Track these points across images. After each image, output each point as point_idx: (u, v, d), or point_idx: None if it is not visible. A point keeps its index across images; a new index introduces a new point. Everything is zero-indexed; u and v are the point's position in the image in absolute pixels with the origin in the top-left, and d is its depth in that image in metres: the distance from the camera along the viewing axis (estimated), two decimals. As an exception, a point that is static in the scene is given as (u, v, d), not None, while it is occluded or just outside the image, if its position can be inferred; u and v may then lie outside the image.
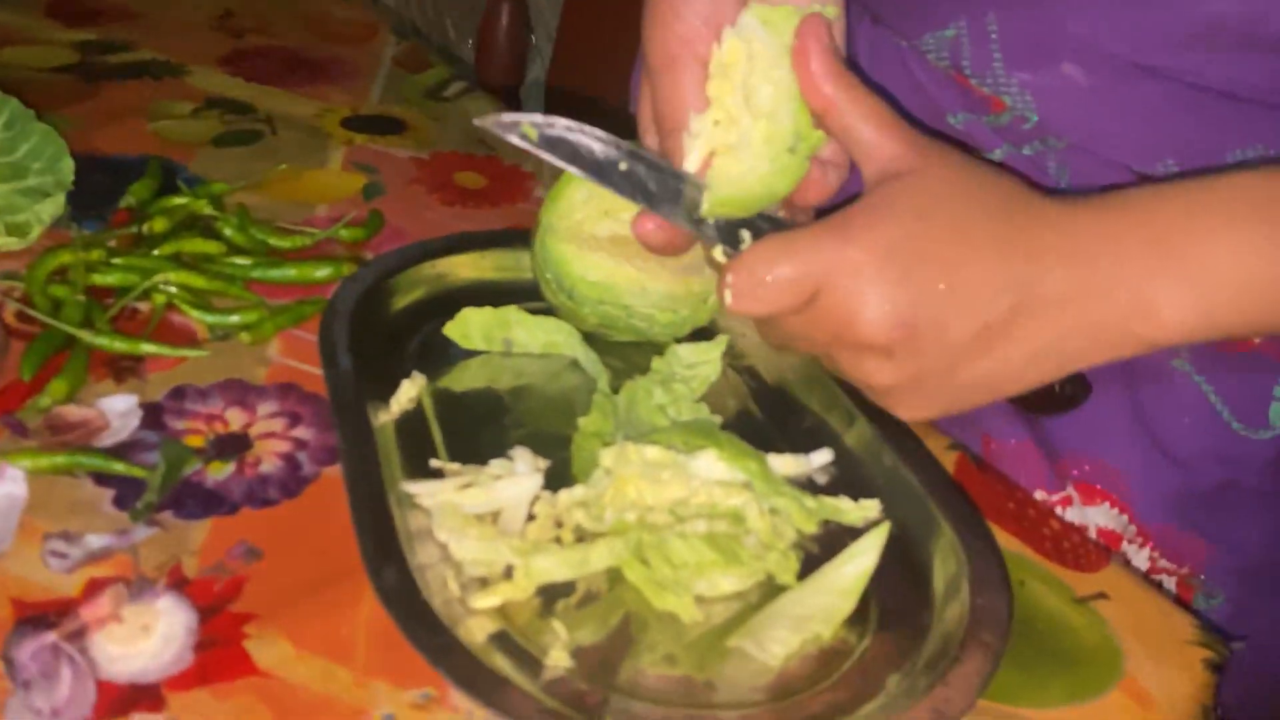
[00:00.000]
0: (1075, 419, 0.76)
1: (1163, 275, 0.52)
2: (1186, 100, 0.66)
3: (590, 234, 0.75)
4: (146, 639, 0.51)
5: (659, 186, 0.57)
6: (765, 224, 0.60)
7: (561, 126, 0.56)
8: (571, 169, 0.57)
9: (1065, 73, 0.68)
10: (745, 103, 0.56)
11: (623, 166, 0.57)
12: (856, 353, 0.55)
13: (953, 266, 0.52)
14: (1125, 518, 0.77)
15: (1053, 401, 0.66)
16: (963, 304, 0.52)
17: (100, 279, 0.74)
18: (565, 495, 0.62)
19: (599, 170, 0.57)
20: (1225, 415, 0.73)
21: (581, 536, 0.61)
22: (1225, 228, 0.52)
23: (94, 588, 0.54)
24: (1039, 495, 0.77)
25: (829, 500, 0.65)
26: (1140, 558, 0.78)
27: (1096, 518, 0.77)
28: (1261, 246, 0.52)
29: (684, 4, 0.56)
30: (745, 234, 0.59)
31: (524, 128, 0.55)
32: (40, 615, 0.52)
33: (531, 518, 0.62)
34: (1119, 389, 0.75)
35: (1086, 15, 0.66)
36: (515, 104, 1.41)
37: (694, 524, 0.60)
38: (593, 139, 0.56)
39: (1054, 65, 0.68)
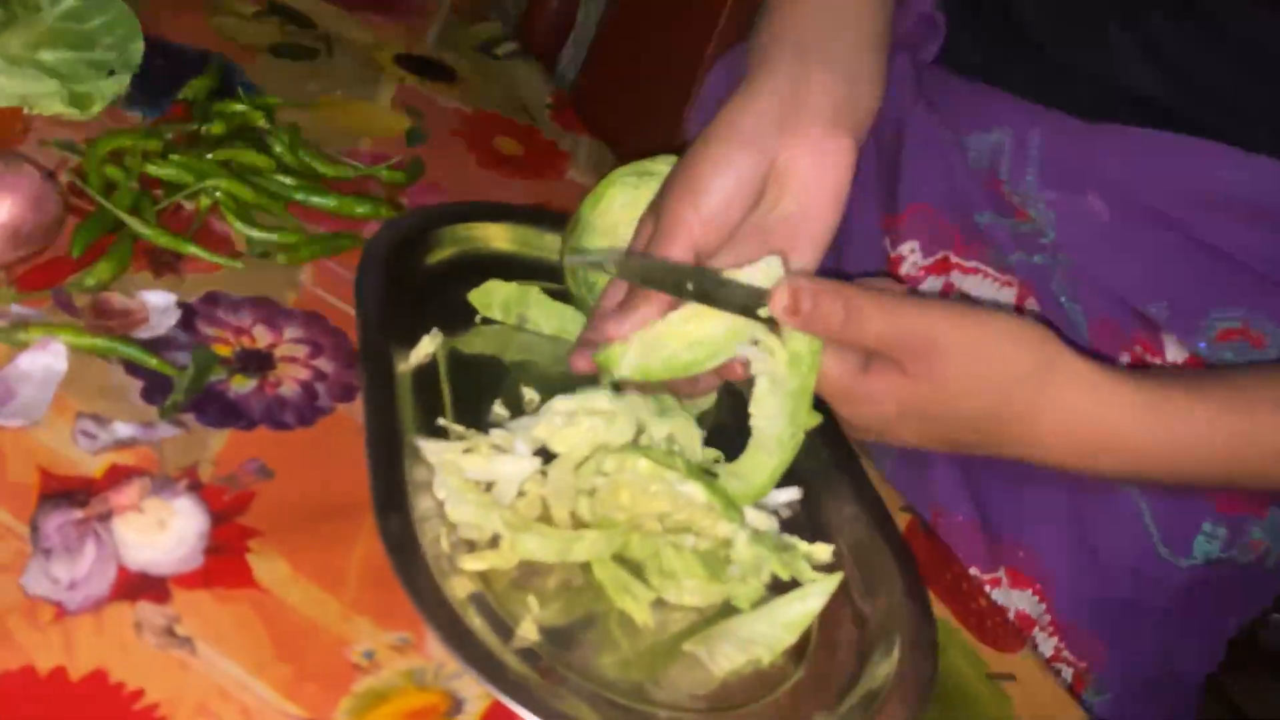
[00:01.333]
0: (1018, 508, 0.82)
1: (1092, 460, 0.65)
2: (1191, 253, 0.72)
3: (624, 237, 0.79)
4: (161, 533, 0.54)
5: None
6: None
7: (638, 259, 0.66)
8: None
9: (1090, 202, 0.74)
10: None
11: (690, 286, 0.63)
12: (877, 436, 0.68)
13: (952, 430, 0.65)
14: (1043, 607, 0.83)
15: None
16: (952, 445, 0.67)
17: (154, 170, 0.77)
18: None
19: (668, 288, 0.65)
20: (1155, 539, 0.79)
21: (575, 519, 0.65)
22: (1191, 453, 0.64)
23: (116, 474, 0.57)
24: (973, 571, 0.83)
25: (799, 555, 0.70)
26: (1047, 645, 0.84)
27: (1019, 602, 0.83)
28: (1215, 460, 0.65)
29: (704, 195, 0.65)
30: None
31: (609, 264, 0.67)
32: (69, 491, 0.55)
33: (521, 494, 0.66)
34: (1064, 492, 0.81)
35: (1121, 156, 0.72)
36: (555, 66, 1.43)
37: (686, 538, 0.65)
38: (665, 270, 0.64)
39: (1081, 193, 0.74)
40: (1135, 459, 0.64)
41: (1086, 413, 0.62)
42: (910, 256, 0.83)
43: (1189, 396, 0.63)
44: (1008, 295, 0.81)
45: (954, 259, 0.81)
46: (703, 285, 0.63)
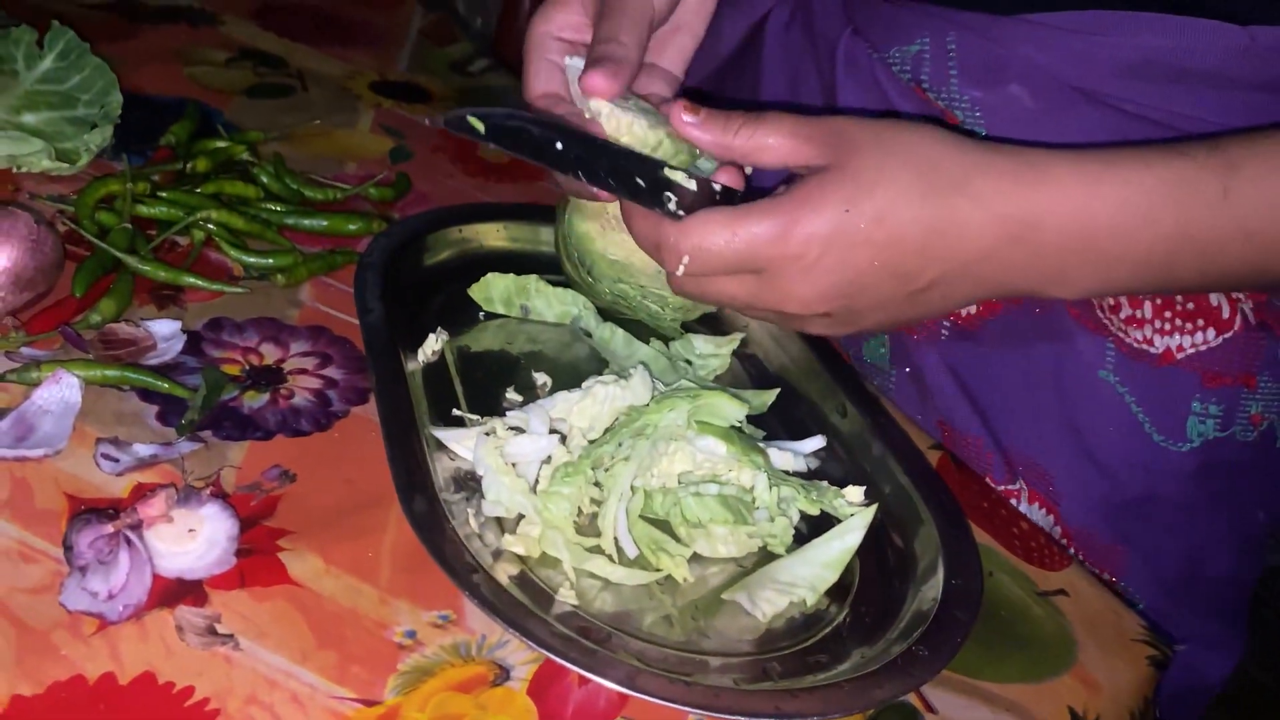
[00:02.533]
0: (1011, 420, 0.81)
1: (1079, 259, 0.59)
2: (1123, 127, 0.73)
3: (614, 214, 0.79)
4: (192, 540, 0.55)
5: (592, 160, 0.61)
6: (692, 183, 0.61)
7: (502, 116, 0.60)
8: (514, 153, 0.61)
9: (1013, 93, 0.75)
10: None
11: (558, 146, 0.61)
12: (800, 319, 0.62)
13: (881, 247, 0.58)
14: (1051, 519, 0.82)
15: None
16: (892, 276, 0.59)
17: (146, 210, 0.78)
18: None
19: (538, 152, 0.61)
20: (1147, 427, 0.78)
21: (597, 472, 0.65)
22: (1140, 223, 0.58)
23: (141, 491, 0.58)
24: (985, 480, 0.83)
25: (828, 490, 0.70)
26: (1062, 558, 0.83)
27: (1032, 517, 0.82)
28: (1170, 239, 0.58)
29: (559, 9, 0.65)
30: (671, 196, 0.61)
31: (470, 120, 0.59)
32: (98, 509, 0.55)
33: (547, 460, 0.66)
34: (1051, 396, 0.80)
35: (1035, 40, 0.74)
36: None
37: (707, 486, 0.65)
38: (532, 124, 0.61)
39: (1003, 85, 0.75)
40: (1107, 240, 0.59)
41: (1028, 203, 0.58)
42: None
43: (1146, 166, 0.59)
44: None
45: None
46: (571, 149, 0.61)
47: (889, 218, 0.57)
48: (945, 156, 0.58)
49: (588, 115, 0.63)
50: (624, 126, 0.62)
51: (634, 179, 0.61)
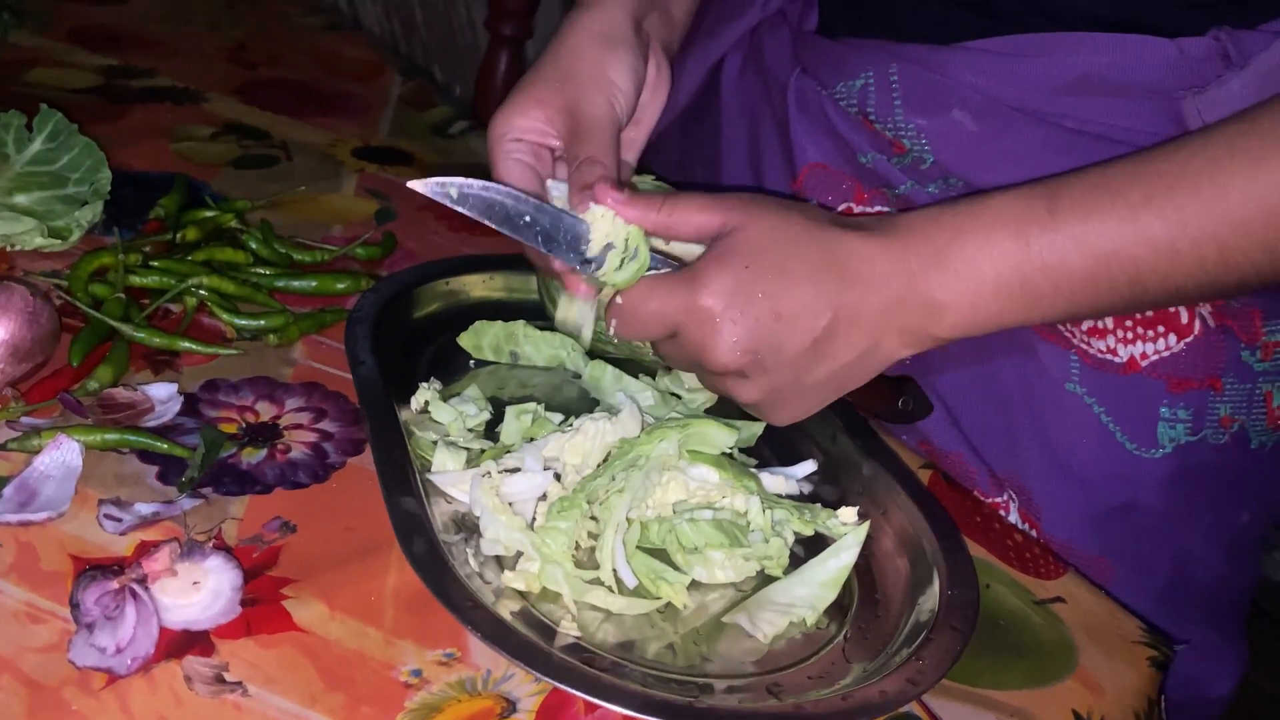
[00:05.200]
0: (988, 439, 0.83)
1: (941, 285, 0.63)
2: (1064, 144, 0.75)
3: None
4: (198, 592, 0.56)
5: (555, 232, 0.66)
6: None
7: (479, 186, 0.65)
8: (485, 220, 0.65)
9: (956, 118, 0.78)
10: None
11: (527, 218, 0.65)
12: (718, 377, 0.65)
13: (777, 299, 0.62)
14: (1035, 533, 0.83)
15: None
16: (792, 327, 0.62)
17: (138, 280, 0.80)
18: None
19: (507, 221, 0.65)
20: (1119, 436, 0.80)
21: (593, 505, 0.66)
22: (984, 241, 0.62)
23: (145, 548, 0.59)
24: (976, 495, 0.83)
25: (822, 511, 0.71)
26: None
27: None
28: (1010, 253, 0.62)
29: (519, 116, 0.70)
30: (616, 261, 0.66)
31: (449, 189, 0.64)
32: (102, 565, 0.56)
33: (543, 497, 0.67)
34: (1022, 412, 0.82)
35: (974, 66, 0.77)
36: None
37: (702, 512, 0.66)
38: (504, 196, 0.65)
39: (946, 112, 0.79)
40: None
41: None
42: None
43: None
44: None
45: (856, 208, 0.85)
46: (539, 221, 0.65)
47: (781, 271, 0.62)
48: (823, 225, 0.64)
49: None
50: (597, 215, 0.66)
51: (584, 253, 0.66)
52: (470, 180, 0.64)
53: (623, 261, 0.65)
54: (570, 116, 0.69)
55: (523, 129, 0.70)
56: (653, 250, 0.66)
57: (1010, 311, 0.63)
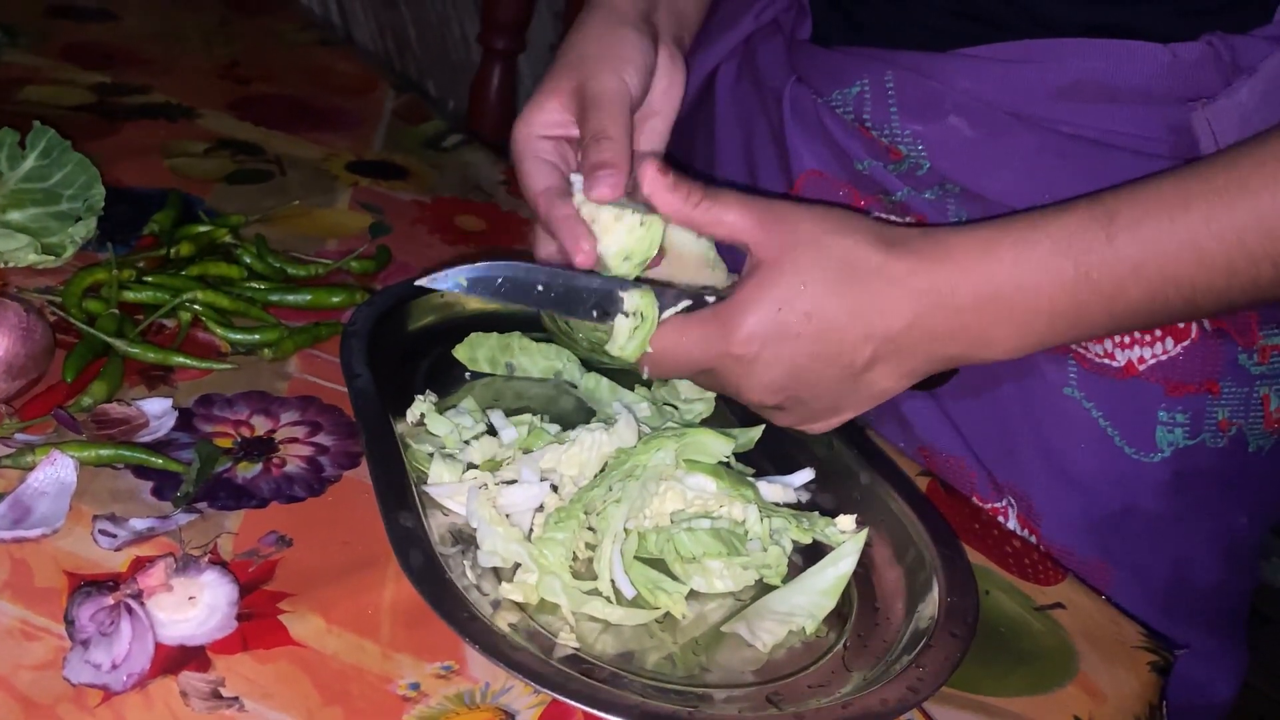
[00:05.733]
0: (987, 444, 0.83)
1: (993, 318, 0.62)
2: (1059, 148, 0.76)
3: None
4: (193, 607, 0.55)
5: (570, 297, 0.65)
6: (668, 298, 0.65)
7: (484, 268, 0.63)
8: (498, 301, 0.65)
9: (952, 124, 0.78)
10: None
11: (539, 288, 0.64)
12: (759, 409, 0.67)
13: (814, 341, 0.62)
14: (1034, 539, 0.83)
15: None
16: (829, 364, 0.63)
17: (132, 296, 0.79)
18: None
19: (521, 296, 0.64)
20: (1117, 441, 0.80)
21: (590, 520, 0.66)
22: (1041, 276, 0.61)
23: (140, 564, 0.58)
24: (974, 501, 0.83)
25: (820, 519, 0.71)
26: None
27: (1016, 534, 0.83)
28: (1068, 285, 0.61)
29: (538, 111, 0.69)
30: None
31: (458, 279, 0.63)
32: (97, 581, 0.56)
33: (540, 508, 0.67)
34: (1020, 418, 0.82)
35: (969, 72, 0.77)
36: (506, 157, 1.48)
37: (699, 521, 0.66)
38: (514, 270, 0.64)
39: (942, 118, 0.79)
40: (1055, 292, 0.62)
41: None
42: None
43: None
44: None
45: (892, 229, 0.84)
46: (554, 287, 0.64)
47: (817, 313, 0.62)
48: (864, 250, 0.62)
49: (585, 212, 0.66)
50: (617, 220, 0.65)
51: (604, 309, 0.65)
52: (479, 265, 0.64)
53: (634, 330, 0.64)
54: (580, 96, 0.69)
55: (542, 123, 0.69)
56: (672, 287, 0.65)
57: (1060, 335, 0.64)
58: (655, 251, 0.65)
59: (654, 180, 0.63)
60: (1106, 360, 0.78)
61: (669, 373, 0.66)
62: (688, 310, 0.65)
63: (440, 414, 0.74)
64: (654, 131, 0.75)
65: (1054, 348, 0.78)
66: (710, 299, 0.65)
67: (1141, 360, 0.77)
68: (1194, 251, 0.59)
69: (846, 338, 0.62)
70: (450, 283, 0.63)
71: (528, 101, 0.71)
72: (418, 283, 0.63)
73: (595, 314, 0.65)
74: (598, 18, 0.73)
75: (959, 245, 0.63)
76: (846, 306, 0.62)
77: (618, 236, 0.64)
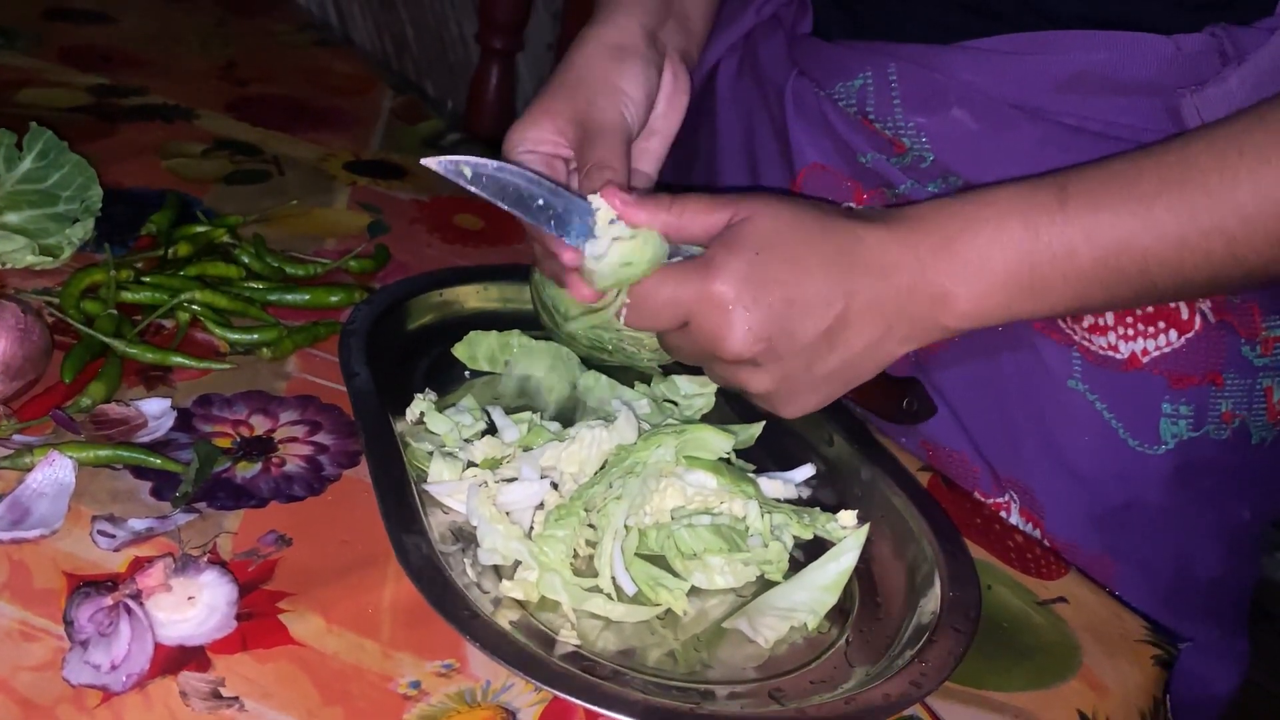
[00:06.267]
0: (990, 438, 0.82)
1: (950, 274, 0.63)
2: (1063, 141, 0.76)
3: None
4: (193, 607, 0.55)
5: (568, 216, 0.65)
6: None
7: (493, 167, 0.64)
8: (498, 203, 0.64)
9: (955, 116, 0.78)
10: None
11: (540, 201, 0.65)
12: (731, 366, 0.65)
13: (790, 286, 0.62)
14: (1038, 533, 0.83)
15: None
16: (804, 314, 0.63)
17: (130, 296, 0.79)
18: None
19: (520, 203, 0.65)
20: (1121, 433, 0.79)
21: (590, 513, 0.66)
22: (995, 231, 0.63)
23: (139, 564, 0.58)
24: (975, 496, 0.83)
25: (821, 514, 0.70)
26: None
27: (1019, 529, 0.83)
28: (1020, 242, 0.62)
29: (531, 127, 0.70)
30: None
31: (462, 168, 0.63)
32: (96, 582, 0.56)
33: (540, 506, 0.67)
34: (1024, 410, 0.81)
35: (972, 65, 0.77)
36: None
37: (700, 518, 0.65)
38: (517, 177, 0.65)
39: (946, 110, 0.79)
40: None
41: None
42: None
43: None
44: None
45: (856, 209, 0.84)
46: (553, 204, 0.64)
47: (793, 260, 0.63)
48: (833, 216, 0.65)
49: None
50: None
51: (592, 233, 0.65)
52: (485, 160, 0.64)
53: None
54: (580, 125, 0.69)
55: (535, 140, 0.70)
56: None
57: (1019, 302, 0.64)
58: (657, 255, 0.65)
59: (620, 200, 0.64)
60: (1110, 352, 0.78)
61: (647, 320, 0.65)
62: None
63: (439, 412, 0.74)
64: (649, 153, 0.76)
65: (1058, 339, 0.78)
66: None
67: (1145, 352, 0.77)
68: (1145, 220, 0.61)
69: (820, 287, 0.62)
70: (453, 169, 0.63)
71: (523, 114, 0.71)
72: (423, 161, 0.63)
73: (587, 237, 0.65)
74: (604, 38, 0.73)
75: (915, 209, 0.65)
76: (819, 256, 0.63)
77: (615, 247, 0.64)
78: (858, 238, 0.64)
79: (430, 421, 0.73)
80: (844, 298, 0.63)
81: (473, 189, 0.64)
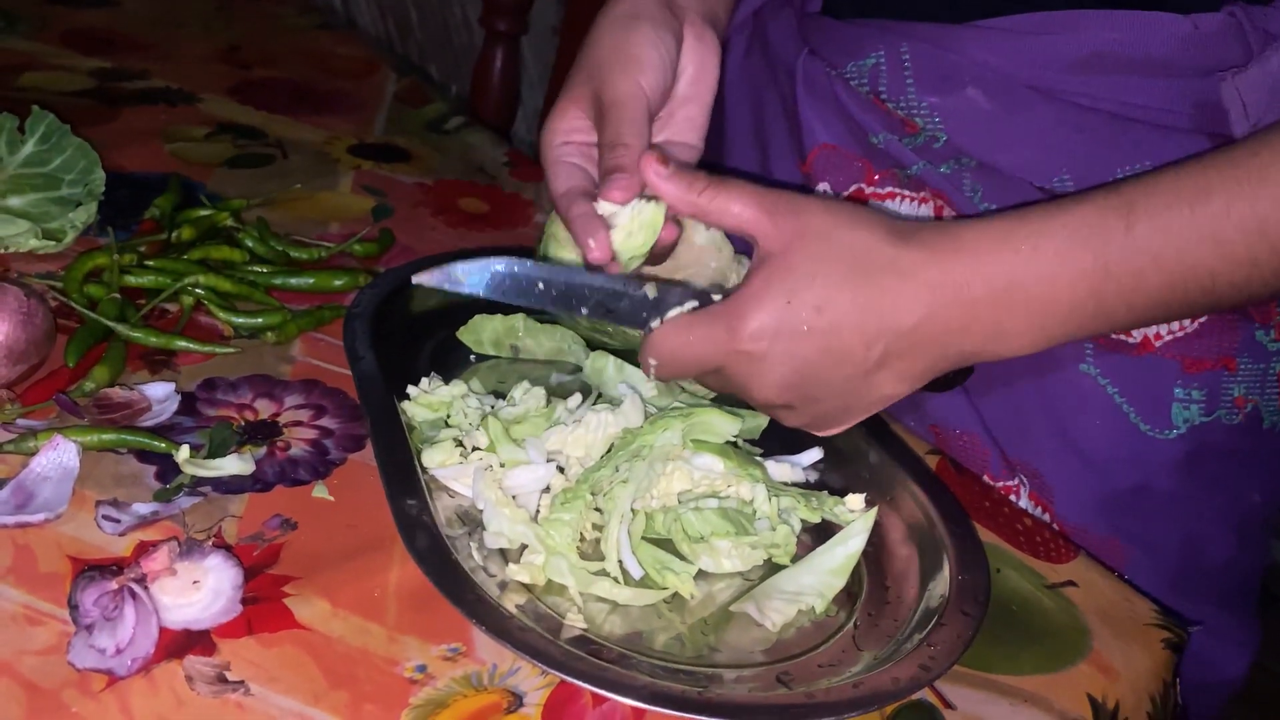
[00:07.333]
0: (1000, 420, 0.82)
1: (1010, 316, 0.60)
2: (1077, 121, 0.74)
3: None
4: (197, 591, 0.55)
5: (573, 299, 0.65)
6: (673, 296, 0.65)
7: (480, 266, 0.64)
8: (500, 299, 0.65)
9: (969, 96, 0.77)
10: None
11: (539, 287, 0.65)
12: (769, 409, 0.65)
13: (826, 336, 0.59)
14: (1047, 516, 0.82)
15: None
16: (839, 363, 0.60)
17: (134, 280, 0.79)
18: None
19: (520, 295, 0.65)
20: (1133, 417, 0.79)
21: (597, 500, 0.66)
22: (1060, 265, 0.59)
23: (144, 548, 0.58)
24: (985, 479, 0.83)
25: (828, 498, 0.70)
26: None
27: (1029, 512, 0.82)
28: (1088, 275, 0.59)
29: (560, 118, 0.68)
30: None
31: (455, 274, 0.64)
32: (100, 566, 0.55)
33: (546, 489, 0.67)
34: (1035, 394, 0.81)
35: (987, 44, 0.76)
36: (509, 139, 1.47)
37: (707, 501, 0.65)
38: (511, 271, 0.65)
39: (959, 90, 0.77)
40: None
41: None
42: None
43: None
44: (926, 210, 0.83)
45: (867, 190, 0.84)
46: (554, 284, 0.64)
47: (827, 306, 0.59)
48: (875, 244, 0.60)
49: (604, 212, 0.65)
50: (630, 214, 0.64)
51: (610, 309, 0.65)
52: (472, 262, 0.64)
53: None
54: (597, 103, 0.67)
55: (565, 130, 0.68)
56: (681, 284, 0.65)
57: (1078, 329, 0.61)
58: (656, 227, 0.64)
59: (655, 171, 0.62)
60: (1123, 337, 0.77)
61: (676, 374, 0.63)
62: (694, 311, 0.63)
63: (440, 395, 0.73)
64: (688, 120, 0.72)
65: None
66: (716, 297, 0.64)
67: (1158, 336, 0.77)
68: (1214, 242, 0.57)
69: (857, 334, 0.59)
70: (451, 280, 0.63)
71: (553, 108, 0.70)
72: (414, 278, 0.62)
73: (596, 311, 0.64)
74: (615, 10, 0.70)
75: (973, 237, 0.60)
76: (857, 301, 0.59)
77: (622, 218, 0.64)
78: (901, 270, 0.59)
79: (434, 391, 0.73)
80: (883, 341, 0.60)
81: (473, 294, 0.64)
